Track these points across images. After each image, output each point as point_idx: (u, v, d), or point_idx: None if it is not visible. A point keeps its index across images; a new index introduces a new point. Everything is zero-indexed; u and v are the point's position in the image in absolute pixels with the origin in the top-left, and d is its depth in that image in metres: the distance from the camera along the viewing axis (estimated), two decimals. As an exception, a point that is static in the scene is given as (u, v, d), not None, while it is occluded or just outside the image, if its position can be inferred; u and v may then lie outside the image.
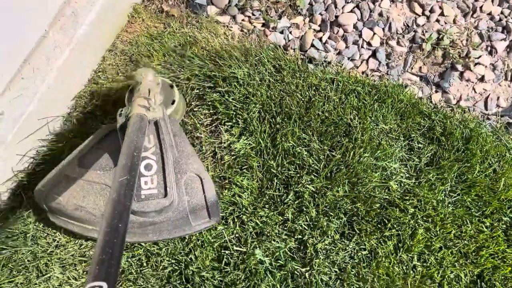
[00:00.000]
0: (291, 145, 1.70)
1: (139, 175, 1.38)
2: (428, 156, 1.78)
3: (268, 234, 1.59)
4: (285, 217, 1.62)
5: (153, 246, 1.56)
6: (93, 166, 1.45)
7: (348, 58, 1.99)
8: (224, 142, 1.74)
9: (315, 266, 1.55)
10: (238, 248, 1.57)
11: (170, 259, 1.55)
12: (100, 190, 1.43)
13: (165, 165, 1.41)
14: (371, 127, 1.78)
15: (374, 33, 2.00)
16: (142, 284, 1.53)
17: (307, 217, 1.62)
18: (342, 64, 1.97)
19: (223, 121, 1.78)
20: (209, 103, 1.82)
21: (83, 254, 1.58)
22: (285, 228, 1.62)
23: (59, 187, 1.42)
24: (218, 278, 1.52)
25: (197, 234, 1.55)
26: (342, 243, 1.60)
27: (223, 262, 1.54)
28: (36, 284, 1.51)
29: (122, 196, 0.96)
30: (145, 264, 1.55)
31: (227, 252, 1.56)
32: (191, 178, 1.47)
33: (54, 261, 1.54)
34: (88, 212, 1.42)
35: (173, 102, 1.61)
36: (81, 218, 1.44)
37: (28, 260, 1.54)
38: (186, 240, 1.56)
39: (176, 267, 1.55)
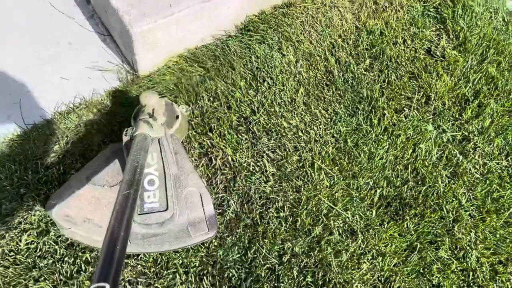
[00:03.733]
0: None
1: (143, 190, 1.53)
2: None
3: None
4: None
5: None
6: (100, 182, 1.59)
7: None
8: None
9: None
10: None
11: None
12: (107, 204, 1.57)
13: (166, 180, 1.54)
14: None
15: None
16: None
17: None
18: None
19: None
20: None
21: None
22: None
23: (69, 201, 1.55)
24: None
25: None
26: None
27: None
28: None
29: (125, 208, 1.08)
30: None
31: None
32: (190, 192, 1.62)
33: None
34: (95, 225, 1.57)
35: (175, 124, 1.83)
36: (89, 230, 1.59)
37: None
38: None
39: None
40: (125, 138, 1.56)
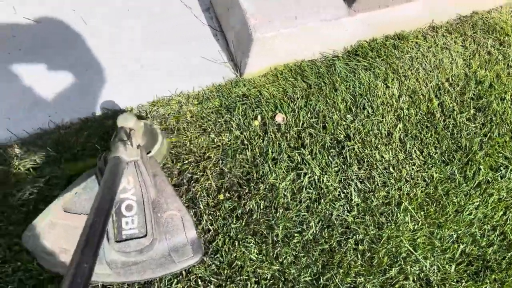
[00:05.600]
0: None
1: (120, 216, 1.44)
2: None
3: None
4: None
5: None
6: (76, 209, 1.50)
7: None
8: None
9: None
10: None
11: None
12: None
13: (145, 205, 1.46)
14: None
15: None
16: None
17: None
18: None
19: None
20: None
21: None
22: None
23: (45, 232, 1.47)
24: None
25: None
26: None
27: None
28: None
29: (92, 238, 0.99)
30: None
31: None
32: (171, 216, 1.53)
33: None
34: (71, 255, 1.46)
35: (155, 145, 1.75)
36: (67, 261, 1.46)
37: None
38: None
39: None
40: (99, 163, 1.47)
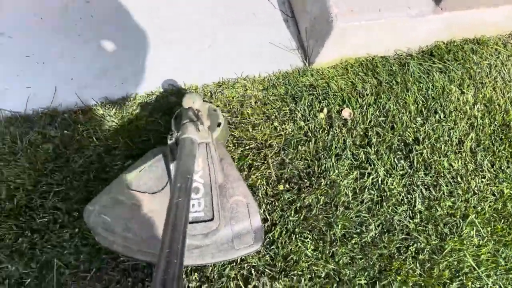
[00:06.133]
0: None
1: None
2: None
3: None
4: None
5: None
6: (141, 188, 1.47)
7: None
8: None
9: None
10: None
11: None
12: (148, 212, 1.44)
13: (212, 188, 1.41)
14: None
15: None
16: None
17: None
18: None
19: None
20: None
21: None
22: None
23: (108, 208, 1.44)
24: None
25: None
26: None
27: None
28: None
29: (179, 218, 0.97)
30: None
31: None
32: (237, 202, 1.48)
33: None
34: (134, 234, 1.43)
35: (218, 125, 1.71)
36: (127, 239, 1.44)
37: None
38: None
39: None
40: (170, 142, 1.43)
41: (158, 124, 1.94)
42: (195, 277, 1.67)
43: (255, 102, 2.07)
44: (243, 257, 1.68)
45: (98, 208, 1.44)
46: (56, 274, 1.63)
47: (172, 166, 1.39)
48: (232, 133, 1.96)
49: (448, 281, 1.76)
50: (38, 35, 2.11)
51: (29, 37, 2.11)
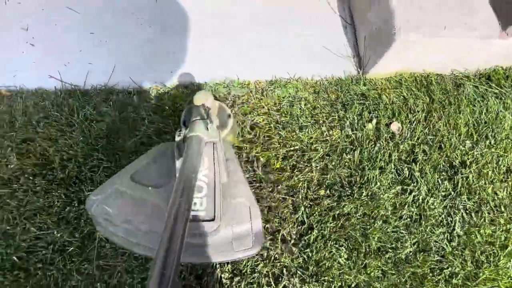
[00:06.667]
0: None
1: None
2: None
3: None
4: None
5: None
6: (145, 182, 1.46)
7: None
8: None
9: None
10: None
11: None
12: (151, 207, 1.42)
13: (216, 188, 1.39)
14: None
15: None
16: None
17: None
18: None
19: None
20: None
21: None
22: None
23: (110, 199, 1.44)
24: None
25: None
26: None
27: None
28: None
29: (180, 217, 0.98)
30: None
31: None
32: (239, 204, 1.44)
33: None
34: (135, 227, 1.41)
35: (227, 126, 1.71)
36: (128, 232, 1.43)
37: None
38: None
39: None
40: (178, 139, 1.42)
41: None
42: (228, 269, 1.70)
43: (305, 105, 2.08)
44: (272, 255, 1.70)
45: (101, 198, 1.44)
46: (97, 246, 1.69)
47: (178, 163, 1.38)
48: (279, 132, 1.98)
49: (479, 310, 1.74)
50: (103, 14, 2.18)
51: (94, 15, 2.17)
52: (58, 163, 1.80)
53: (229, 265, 1.70)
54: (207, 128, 1.41)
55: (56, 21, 2.15)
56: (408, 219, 1.86)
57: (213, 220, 1.36)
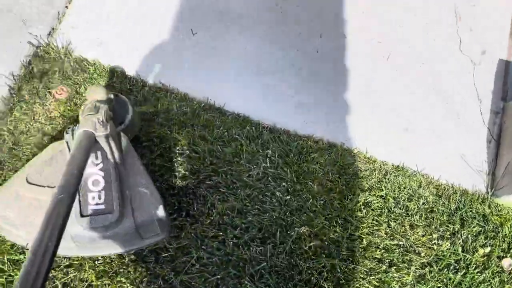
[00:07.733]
0: None
1: (86, 191, 1.40)
2: None
3: None
4: None
5: None
6: (41, 182, 1.47)
7: None
8: None
9: None
10: None
11: None
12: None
13: (112, 181, 1.42)
14: None
15: None
16: None
17: None
18: None
19: None
20: None
21: None
22: None
23: (8, 202, 1.45)
24: None
25: None
26: None
27: None
28: None
29: (58, 213, 0.96)
30: None
31: None
32: (139, 193, 1.48)
33: None
34: (37, 227, 1.39)
35: (125, 120, 1.69)
36: (31, 233, 1.43)
37: None
38: None
39: None
40: (66, 136, 1.41)
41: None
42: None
43: (423, 204, 2.03)
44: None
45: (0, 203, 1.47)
46: None
47: None
48: (390, 222, 1.94)
49: None
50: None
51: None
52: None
53: None
54: (97, 122, 1.38)
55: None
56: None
57: (112, 212, 1.40)
